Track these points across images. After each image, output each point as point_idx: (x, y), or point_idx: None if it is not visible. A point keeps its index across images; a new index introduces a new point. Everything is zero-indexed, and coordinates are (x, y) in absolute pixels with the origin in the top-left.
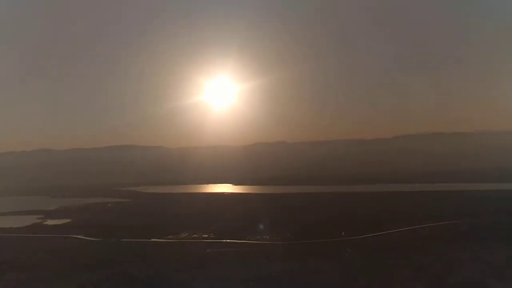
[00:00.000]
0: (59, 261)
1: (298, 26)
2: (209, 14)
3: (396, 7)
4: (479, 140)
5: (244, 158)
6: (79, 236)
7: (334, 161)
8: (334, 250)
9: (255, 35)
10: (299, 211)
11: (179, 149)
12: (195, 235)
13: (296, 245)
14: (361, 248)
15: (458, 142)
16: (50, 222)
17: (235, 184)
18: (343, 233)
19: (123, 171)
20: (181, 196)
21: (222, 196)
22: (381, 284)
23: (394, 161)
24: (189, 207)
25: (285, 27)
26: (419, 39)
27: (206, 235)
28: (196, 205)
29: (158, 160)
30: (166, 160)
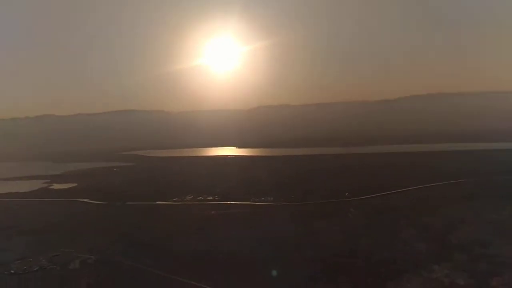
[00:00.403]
0: (66, 225)
1: None
2: None
3: None
4: (483, 100)
5: (247, 121)
6: (86, 200)
7: (337, 123)
8: (337, 210)
9: None
10: (303, 173)
11: (181, 114)
12: (200, 198)
13: (300, 206)
14: (364, 209)
15: (463, 103)
16: (56, 186)
17: (239, 147)
18: (346, 194)
19: (126, 136)
20: (185, 159)
21: (226, 159)
22: (384, 244)
23: (398, 122)
24: (193, 170)
25: None
26: None
27: (211, 198)
28: (200, 168)
29: (161, 125)
30: (168, 125)
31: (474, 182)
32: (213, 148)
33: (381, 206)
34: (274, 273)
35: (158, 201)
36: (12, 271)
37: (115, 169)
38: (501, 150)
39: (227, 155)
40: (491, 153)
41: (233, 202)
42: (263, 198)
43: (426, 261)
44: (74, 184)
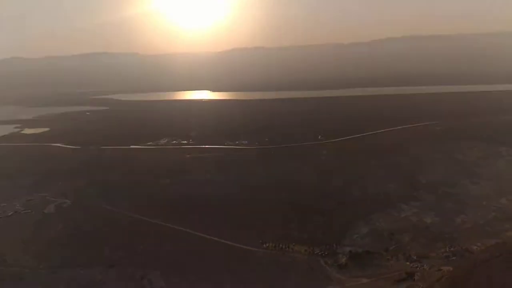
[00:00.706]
0: (40, 169)
1: None
2: None
3: None
4: (460, 42)
5: (222, 64)
6: (59, 145)
7: (311, 66)
8: (310, 152)
9: None
10: (277, 116)
11: (154, 56)
12: (174, 141)
13: (274, 149)
14: (337, 150)
15: (438, 45)
16: (28, 131)
17: (213, 91)
18: (319, 137)
19: (98, 80)
20: (159, 103)
21: (200, 103)
22: (355, 184)
23: (372, 65)
24: (167, 114)
25: None
26: None
27: (185, 141)
28: (174, 112)
29: (133, 68)
30: (141, 68)
31: (444, 124)
32: (187, 92)
33: (352, 148)
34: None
35: (132, 145)
36: None
37: (87, 113)
38: (473, 93)
39: (201, 99)
40: (462, 95)
41: (207, 146)
42: (237, 142)
43: (395, 200)
44: (47, 129)
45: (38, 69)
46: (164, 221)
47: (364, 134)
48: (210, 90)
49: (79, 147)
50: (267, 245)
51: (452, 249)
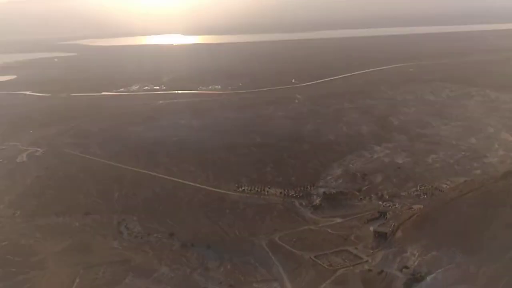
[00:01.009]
0: (9, 118)
1: None
2: None
3: None
4: None
5: (192, 6)
6: (28, 93)
7: (285, 9)
8: (284, 97)
9: None
10: (250, 60)
11: None
12: (146, 87)
13: (247, 94)
14: (310, 94)
15: None
16: None
17: (184, 34)
18: (293, 80)
19: (65, 24)
20: (129, 48)
21: (171, 47)
22: (329, 127)
23: (345, 7)
24: (138, 60)
25: None
26: None
27: (158, 87)
28: (145, 57)
29: (101, 12)
30: (109, 11)
31: (416, 66)
32: (157, 36)
33: (326, 91)
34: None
35: (103, 92)
36: None
37: (56, 59)
38: (445, 34)
39: (172, 44)
40: (434, 37)
41: (180, 91)
42: (210, 87)
43: (368, 142)
44: (14, 76)
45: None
46: (139, 167)
47: (338, 77)
48: (181, 33)
49: (48, 94)
50: (243, 188)
51: (423, 188)
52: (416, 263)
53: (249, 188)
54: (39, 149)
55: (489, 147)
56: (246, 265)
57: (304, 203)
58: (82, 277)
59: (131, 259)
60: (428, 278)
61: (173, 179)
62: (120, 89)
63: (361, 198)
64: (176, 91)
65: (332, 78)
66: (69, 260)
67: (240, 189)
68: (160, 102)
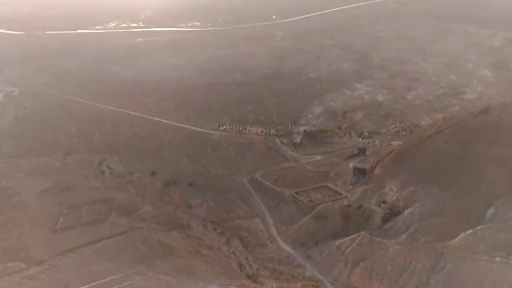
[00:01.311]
0: None
1: None
2: None
3: None
4: None
5: None
6: (1, 30)
7: None
8: (265, 34)
9: None
10: None
11: None
12: (123, 25)
13: (227, 31)
14: (291, 30)
15: None
16: None
17: None
18: (274, 17)
19: None
20: None
21: None
22: (310, 65)
23: None
24: None
25: None
26: None
27: (135, 24)
28: None
29: None
30: None
31: (398, 1)
32: None
33: (307, 28)
34: None
35: (79, 29)
36: None
37: None
38: None
39: None
40: None
41: (159, 29)
42: (189, 23)
43: (349, 80)
44: None
45: None
46: (119, 106)
47: (318, 13)
48: None
49: (22, 32)
50: (224, 127)
51: (402, 124)
52: (394, 198)
53: (230, 127)
54: (15, 89)
55: (468, 84)
56: (228, 202)
57: (285, 141)
58: (65, 216)
59: (114, 198)
60: (405, 212)
61: (154, 118)
62: (97, 27)
63: (341, 136)
64: (155, 29)
65: (312, 14)
66: (52, 200)
67: (221, 128)
68: (139, 40)
